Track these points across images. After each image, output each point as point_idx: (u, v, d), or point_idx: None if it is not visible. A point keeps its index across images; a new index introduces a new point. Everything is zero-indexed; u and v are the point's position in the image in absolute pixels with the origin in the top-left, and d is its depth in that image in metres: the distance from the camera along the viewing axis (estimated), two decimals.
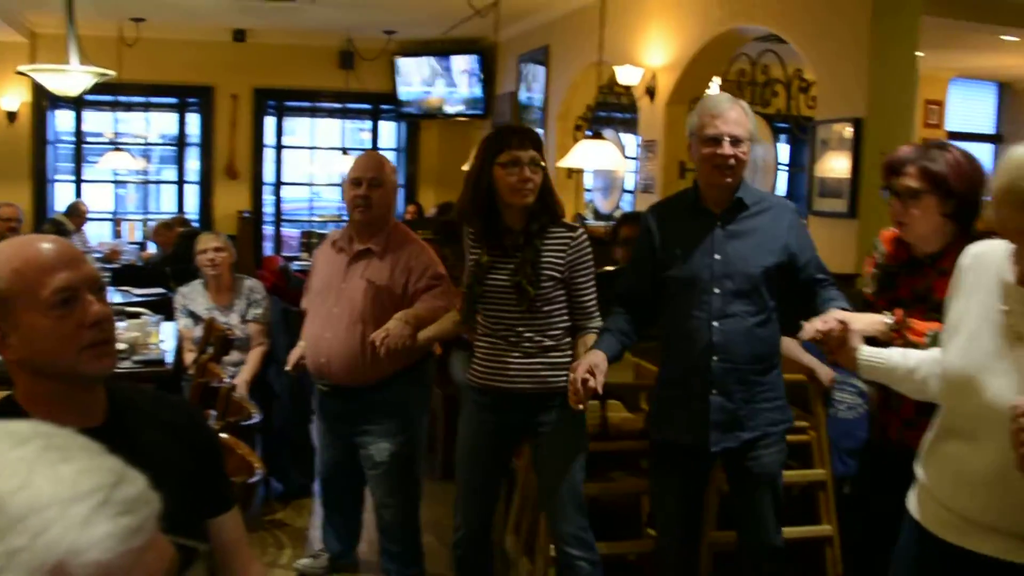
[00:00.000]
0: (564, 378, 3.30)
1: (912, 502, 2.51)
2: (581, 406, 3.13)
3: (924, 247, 2.99)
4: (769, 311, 3.30)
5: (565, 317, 3.48)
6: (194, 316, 5.40)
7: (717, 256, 3.25)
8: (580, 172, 9.94)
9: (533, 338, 3.42)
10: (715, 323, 3.24)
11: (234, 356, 5.19)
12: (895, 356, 2.59)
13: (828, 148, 5.96)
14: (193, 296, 5.45)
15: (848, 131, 5.71)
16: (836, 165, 5.88)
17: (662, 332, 3.47)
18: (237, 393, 4.02)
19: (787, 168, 11.41)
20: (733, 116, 3.22)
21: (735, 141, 3.20)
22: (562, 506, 3.51)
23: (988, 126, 13.43)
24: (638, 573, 4.28)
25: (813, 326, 2.65)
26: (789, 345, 4.10)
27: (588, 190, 10.65)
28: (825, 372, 4.15)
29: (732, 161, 3.21)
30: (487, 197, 3.41)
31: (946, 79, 12.43)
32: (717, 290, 3.24)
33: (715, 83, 7.67)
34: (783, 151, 11.61)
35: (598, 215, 10.21)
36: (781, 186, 12.22)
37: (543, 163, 3.43)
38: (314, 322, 4.09)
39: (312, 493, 5.47)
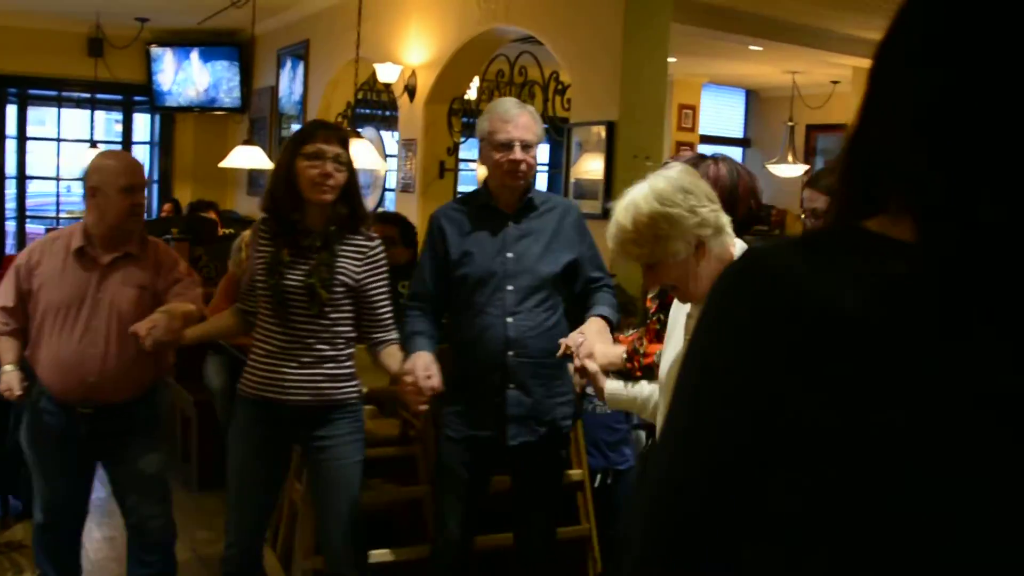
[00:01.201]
0: (342, 390, 3.33)
1: None
2: (425, 407, 3.21)
3: None
4: (559, 306, 3.43)
5: (350, 328, 3.41)
6: None
7: (509, 254, 3.36)
8: None
9: (315, 346, 3.32)
10: (509, 319, 3.34)
11: None
12: (633, 390, 2.73)
13: (583, 150, 6.04)
14: None
15: (602, 133, 5.79)
16: (591, 167, 5.96)
17: (454, 332, 3.51)
18: None
19: (547, 169, 11.60)
20: (523, 121, 3.36)
21: (525, 146, 3.34)
22: (339, 521, 3.43)
23: (737, 130, 14.08)
24: None
25: (565, 342, 2.89)
26: None
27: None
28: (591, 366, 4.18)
29: (523, 166, 3.36)
30: (290, 191, 3.30)
31: (699, 84, 12.90)
32: (510, 287, 3.34)
33: (475, 83, 7.67)
34: (542, 152, 11.79)
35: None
36: (541, 187, 12.42)
37: (349, 164, 3.36)
38: (63, 341, 3.59)
39: None
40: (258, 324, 3.42)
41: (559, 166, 7.12)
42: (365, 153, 6.56)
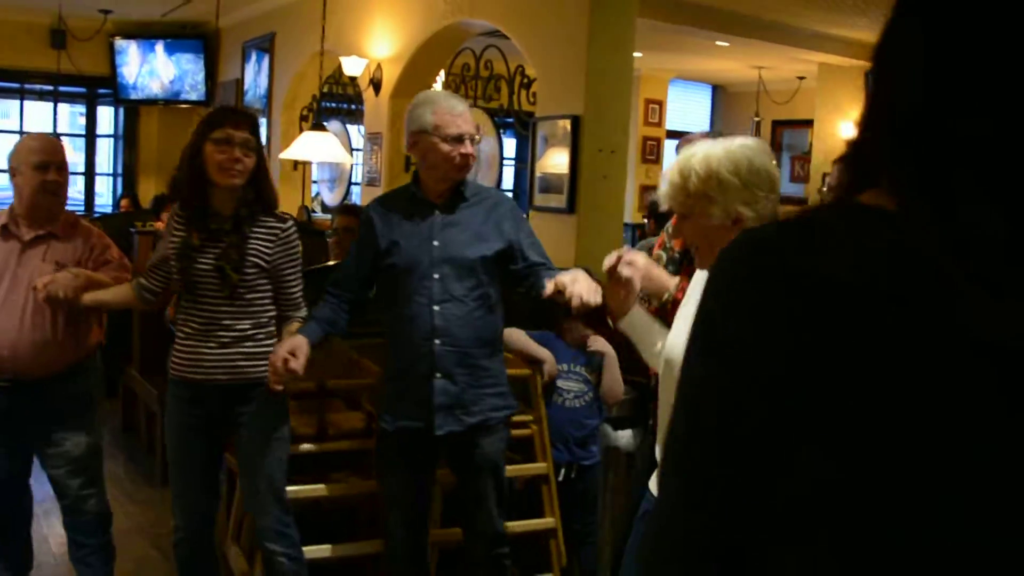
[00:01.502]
0: (263, 368, 3.33)
1: (654, 485, 2.56)
2: (280, 387, 3.21)
3: None
4: (490, 297, 3.42)
5: (268, 307, 3.45)
6: None
7: (436, 243, 3.35)
8: (307, 164, 9.71)
9: (233, 327, 3.37)
10: (436, 307, 3.33)
11: None
12: (656, 323, 2.70)
13: (548, 144, 6.04)
14: None
15: (567, 127, 5.79)
16: (556, 161, 5.97)
17: (386, 323, 3.51)
18: None
19: (515, 163, 11.59)
20: (468, 115, 3.40)
21: (471, 139, 3.38)
22: (262, 500, 3.46)
23: (704, 125, 14.13)
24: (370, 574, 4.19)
25: (612, 257, 2.69)
26: (518, 336, 4.12)
27: (315, 182, 10.45)
28: (552, 363, 4.18)
29: (471, 159, 3.39)
30: (199, 176, 3.33)
31: (666, 80, 12.95)
32: (436, 275, 3.33)
33: (440, 77, 7.66)
34: (510, 146, 11.78)
35: (325, 208, 10.04)
36: (508, 181, 12.42)
37: (258, 148, 3.40)
38: None
39: None
40: (180, 307, 3.48)
41: (525, 160, 7.13)
42: (330, 146, 6.53)
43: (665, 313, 2.86)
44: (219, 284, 3.33)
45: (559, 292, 3.00)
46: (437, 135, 3.34)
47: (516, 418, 4.20)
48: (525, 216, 3.60)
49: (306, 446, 3.94)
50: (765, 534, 0.92)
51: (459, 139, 3.33)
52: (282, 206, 3.73)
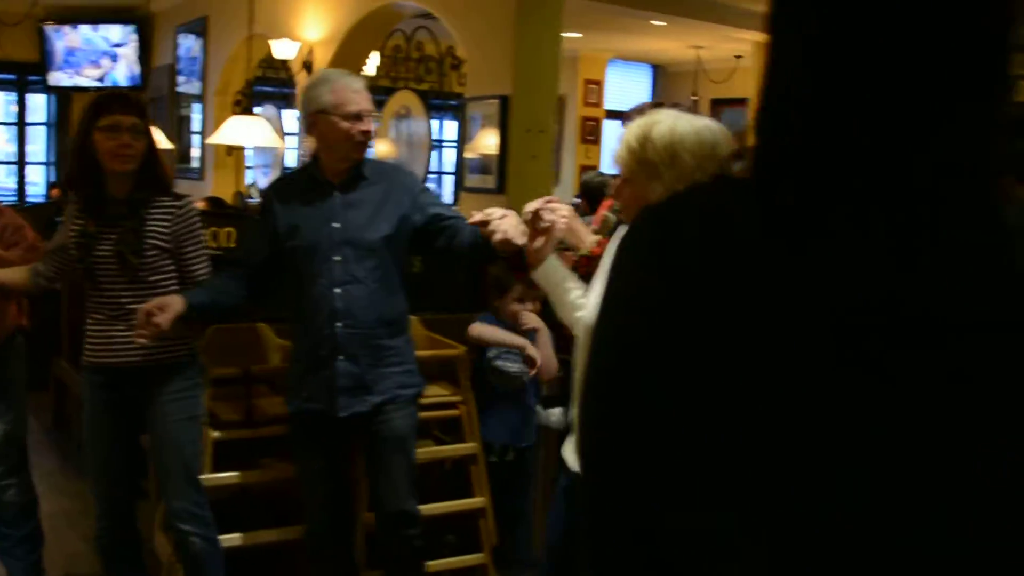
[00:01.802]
0: (170, 349, 3.35)
1: (567, 452, 2.56)
2: (143, 340, 3.15)
3: None
4: (392, 277, 3.43)
5: (174, 287, 3.40)
6: None
7: (336, 224, 3.34)
8: (241, 150, 9.60)
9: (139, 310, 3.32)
10: (337, 289, 3.33)
11: None
12: (570, 275, 2.71)
13: (478, 125, 6.02)
14: None
15: (496, 108, 5.77)
16: (489, 142, 5.95)
17: (290, 306, 3.50)
18: None
19: (455, 145, 11.53)
20: (365, 92, 3.38)
21: (370, 116, 3.37)
22: (175, 481, 3.43)
23: None
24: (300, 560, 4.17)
25: (537, 202, 2.73)
26: (492, 331, 4.14)
27: (250, 168, 10.34)
28: (532, 348, 4.15)
29: (371, 137, 3.38)
30: (90, 164, 3.30)
31: (604, 60, 12.96)
32: (337, 257, 3.33)
33: (373, 58, 7.60)
34: (450, 128, 11.75)
35: (261, 193, 9.93)
36: (448, 164, 12.38)
37: (148, 131, 3.37)
38: None
39: None
40: (87, 293, 3.45)
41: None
42: (260, 131, 6.46)
43: (578, 268, 2.86)
44: (120, 269, 3.30)
45: (484, 224, 3.01)
46: (336, 113, 3.31)
47: (445, 399, 4.21)
48: (427, 187, 3.63)
49: (232, 432, 3.90)
50: (679, 500, 0.95)
51: (358, 116, 3.31)
52: (216, 192, 3.71)
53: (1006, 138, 1.08)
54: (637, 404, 0.97)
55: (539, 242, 2.71)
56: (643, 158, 2.28)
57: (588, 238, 2.99)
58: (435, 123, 10.52)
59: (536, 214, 2.69)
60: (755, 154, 0.98)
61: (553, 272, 2.70)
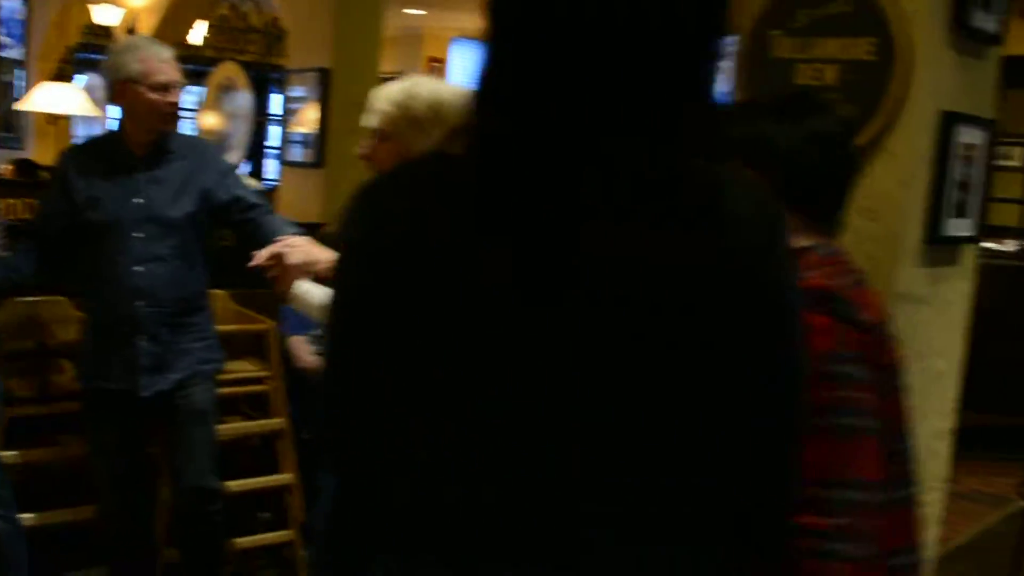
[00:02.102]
0: None
1: None
2: None
3: None
4: (194, 254, 3.35)
5: None
6: None
7: (139, 200, 3.24)
8: (66, 119, 9.26)
9: None
10: (138, 267, 3.22)
11: None
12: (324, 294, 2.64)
13: (299, 99, 5.94)
14: None
15: (317, 81, 5.71)
16: (307, 115, 5.87)
17: (83, 281, 3.38)
18: None
19: (280, 118, 11.32)
20: (174, 63, 3.29)
21: (179, 88, 3.29)
22: None
23: None
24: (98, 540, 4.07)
25: (262, 255, 2.62)
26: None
27: (76, 138, 10.00)
28: None
29: (178, 109, 3.30)
30: None
31: (448, 38, 12.93)
32: (139, 234, 3.23)
33: (200, 27, 7.43)
34: (276, 101, 11.53)
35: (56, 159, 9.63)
36: (275, 137, 12.16)
37: None
38: None
39: None
40: None
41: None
42: (74, 98, 6.25)
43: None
44: None
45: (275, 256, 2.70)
46: (144, 83, 3.20)
47: (252, 374, 4.16)
48: (232, 165, 3.53)
49: (25, 408, 3.78)
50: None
51: (166, 88, 3.22)
52: (39, 160, 3.56)
53: (726, 126, 1.23)
54: (358, 345, 1.13)
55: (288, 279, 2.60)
56: (409, 113, 2.30)
57: (324, 255, 2.89)
58: (275, 98, 10.32)
59: (277, 256, 2.55)
60: (472, 133, 1.10)
61: (308, 298, 2.59)
